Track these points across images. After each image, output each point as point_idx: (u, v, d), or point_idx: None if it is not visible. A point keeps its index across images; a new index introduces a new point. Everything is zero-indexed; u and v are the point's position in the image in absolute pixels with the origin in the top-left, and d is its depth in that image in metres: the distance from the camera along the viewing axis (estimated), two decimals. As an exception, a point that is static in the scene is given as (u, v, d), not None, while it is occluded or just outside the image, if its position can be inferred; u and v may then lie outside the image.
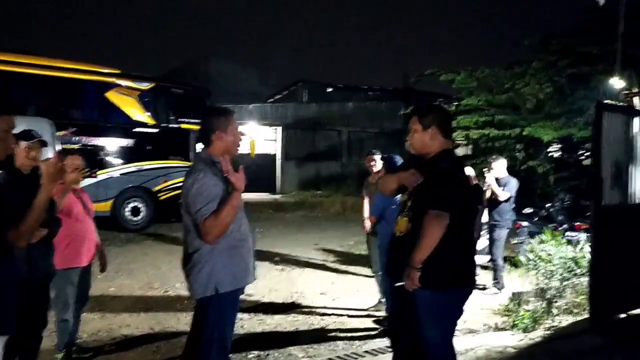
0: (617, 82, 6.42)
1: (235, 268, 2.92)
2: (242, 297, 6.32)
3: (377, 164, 5.77)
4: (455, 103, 12.80)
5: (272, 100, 28.51)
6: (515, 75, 11.68)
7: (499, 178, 6.85)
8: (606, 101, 5.22)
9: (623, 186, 5.33)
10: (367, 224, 6.26)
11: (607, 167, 5.09)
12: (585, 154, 11.78)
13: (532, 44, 11.88)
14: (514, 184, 6.81)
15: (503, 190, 6.71)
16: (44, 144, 3.49)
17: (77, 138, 11.35)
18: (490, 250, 6.81)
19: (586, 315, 5.26)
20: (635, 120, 5.39)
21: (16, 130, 3.37)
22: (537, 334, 4.92)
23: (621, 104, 5.93)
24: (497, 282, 6.68)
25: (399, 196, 5.00)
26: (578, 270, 5.66)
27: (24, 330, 3.34)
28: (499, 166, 6.91)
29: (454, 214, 2.79)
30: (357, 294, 6.58)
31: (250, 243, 3.09)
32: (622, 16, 6.30)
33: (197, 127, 12.36)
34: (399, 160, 5.25)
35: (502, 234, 6.75)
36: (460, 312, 3.00)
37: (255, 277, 3.16)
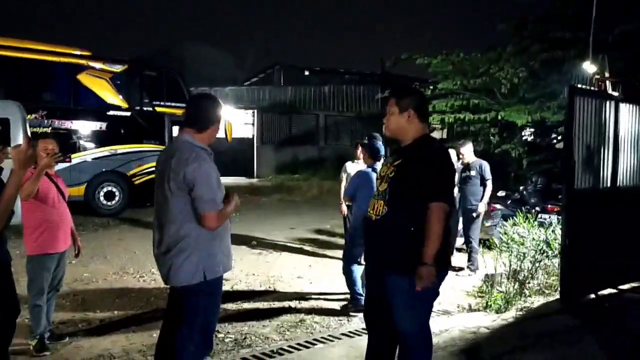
0: (589, 67, 6.52)
1: (220, 255, 2.95)
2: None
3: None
4: (431, 87, 12.85)
5: (248, 83, 28.21)
6: (490, 60, 11.78)
7: (469, 162, 6.94)
8: (579, 85, 5.28)
9: (595, 170, 5.43)
10: (344, 207, 6.29)
11: (579, 151, 5.17)
12: (558, 138, 11.97)
13: (507, 29, 11.97)
14: (487, 167, 6.90)
15: (480, 173, 6.83)
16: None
17: (48, 121, 11.12)
18: (466, 232, 6.92)
19: (557, 296, 5.39)
20: (607, 104, 5.49)
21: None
22: (510, 315, 5.03)
23: (593, 88, 6.02)
24: (472, 264, 6.79)
25: (374, 177, 5.05)
26: (550, 252, 5.77)
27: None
28: (467, 151, 7.00)
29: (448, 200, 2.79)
30: (333, 277, 6.60)
31: (229, 230, 3.10)
32: (594, 1, 6.37)
33: (171, 111, 12.33)
34: (380, 146, 5.28)
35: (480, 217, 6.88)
36: (435, 296, 2.98)
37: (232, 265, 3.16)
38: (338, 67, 28.56)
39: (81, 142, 11.62)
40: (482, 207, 6.85)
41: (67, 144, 10.99)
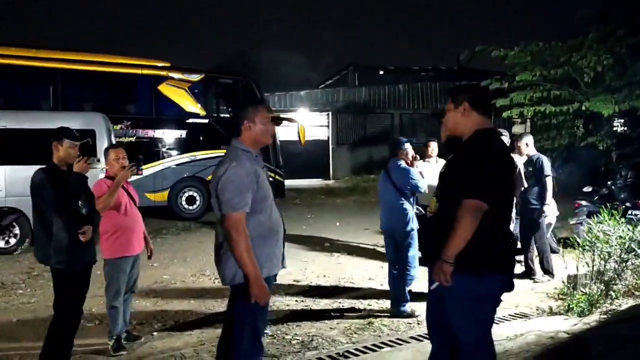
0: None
1: (264, 257, 2.93)
2: (290, 282, 6.41)
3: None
4: (509, 80, 12.29)
5: (323, 86, 28.40)
6: (572, 48, 11.09)
7: (528, 155, 6.50)
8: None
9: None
10: None
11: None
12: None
13: (589, 14, 11.25)
14: (546, 163, 6.38)
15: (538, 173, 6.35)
16: (86, 145, 3.61)
17: (132, 131, 11.74)
18: (528, 236, 6.51)
19: (647, 299, 4.99)
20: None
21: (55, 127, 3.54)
22: (593, 318, 4.70)
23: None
24: (546, 269, 6.41)
25: (416, 176, 4.87)
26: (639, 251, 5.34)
27: (63, 313, 3.56)
28: (523, 143, 6.55)
29: (491, 200, 2.60)
30: (405, 278, 6.49)
31: (281, 232, 3.08)
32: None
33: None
34: (401, 141, 5.27)
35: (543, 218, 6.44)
36: (495, 303, 2.79)
37: (285, 265, 3.15)
38: (413, 65, 28.13)
39: (163, 149, 12.18)
40: (549, 210, 6.34)
41: (149, 152, 11.61)
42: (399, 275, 5.15)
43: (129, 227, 4.27)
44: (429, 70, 27.46)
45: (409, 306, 5.10)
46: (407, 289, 5.10)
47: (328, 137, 23.12)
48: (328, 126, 23.17)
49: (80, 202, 3.57)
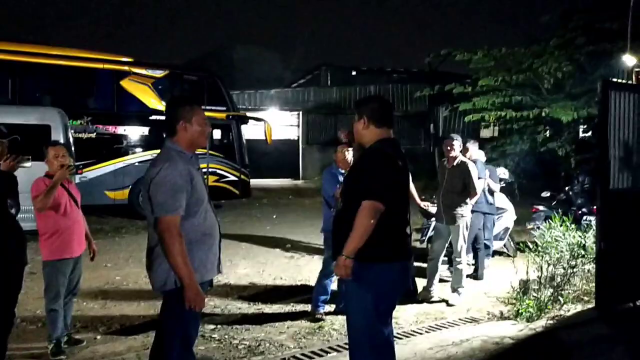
0: (629, 59, 6.08)
1: (197, 261, 2.82)
2: (245, 284, 6.33)
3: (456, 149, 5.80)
4: (473, 84, 12.39)
5: (295, 85, 28.29)
6: (534, 54, 11.26)
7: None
8: (614, 79, 4.96)
9: (634, 169, 5.07)
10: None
11: (616, 149, 4.85)
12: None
13: (551, 21, 11.42)
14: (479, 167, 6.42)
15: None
16: (14, 142, 3.47)
17: (92, 127, 11.49)
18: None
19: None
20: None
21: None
22: (540, 324, 4.76)
23: (631, 82, 5.62)
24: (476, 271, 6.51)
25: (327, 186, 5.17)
26: (590, 257, 5.43)
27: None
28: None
29: (386, 199, 2.86)
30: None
31: (216, 237, 3.00)
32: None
33: (211, 114, 12.47)
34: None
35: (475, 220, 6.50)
36: (383, 293, 2.94)
37: (221, 270, 3.07)
38: (386, 66, 28.23)
39: (124, 146, 11.97)
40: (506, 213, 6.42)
41: (109, 148, 11.43)
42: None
43: (69, 228, 4.12)
44: (400, 72, 27.58)
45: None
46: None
47: (298, 137, 23.08)
48: (298, 126, 23.13)
49: (9, 202, 3.45)
